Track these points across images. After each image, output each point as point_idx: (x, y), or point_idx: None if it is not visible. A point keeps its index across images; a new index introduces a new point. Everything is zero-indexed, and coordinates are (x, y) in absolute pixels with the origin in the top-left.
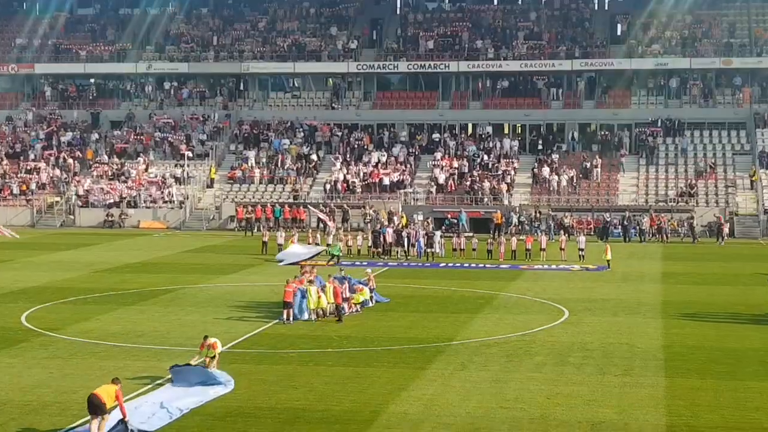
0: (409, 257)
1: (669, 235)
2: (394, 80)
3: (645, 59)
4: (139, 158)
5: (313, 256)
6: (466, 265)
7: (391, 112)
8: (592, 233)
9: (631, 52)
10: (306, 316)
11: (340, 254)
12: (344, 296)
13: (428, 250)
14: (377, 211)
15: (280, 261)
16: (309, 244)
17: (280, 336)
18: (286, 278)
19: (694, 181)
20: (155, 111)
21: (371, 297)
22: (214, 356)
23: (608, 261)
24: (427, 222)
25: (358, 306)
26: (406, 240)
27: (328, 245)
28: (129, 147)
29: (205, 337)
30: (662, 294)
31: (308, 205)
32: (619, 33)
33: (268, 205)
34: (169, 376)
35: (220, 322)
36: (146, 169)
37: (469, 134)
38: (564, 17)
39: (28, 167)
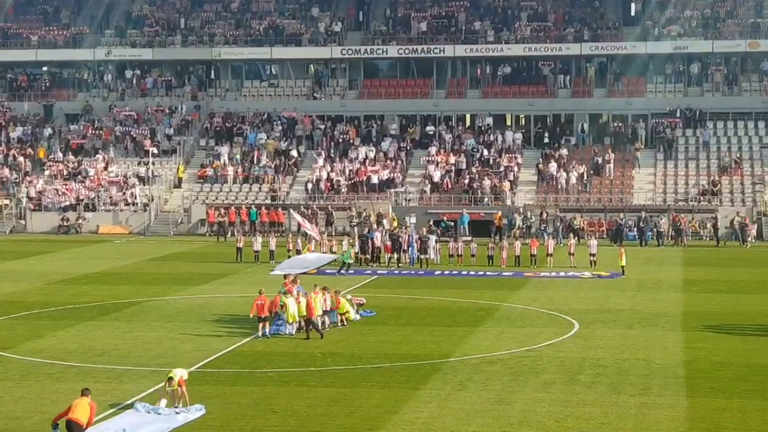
0: (401, 264)
1: (690, 237)
2: (383, 66)
3: (662, 42)
4: (97, 155)
5: (322, 266)
6: (465, 272)
7: (380, 102)
8: (604, 236)
9: (647, 35)
10: (288, 330)
11: (351, 261)
12: (325, 309)
13: (422, 256)
14: (368, 213)
15: (283, 269)
16: (321, 252)
17: (257, 354)
18: (258, 289)
19: (717, 178)
20: (116, 103)
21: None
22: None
23: (623, 267)
24: (429, 225)
25: (344, 317)
26: (397, 245)
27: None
28: (86, 143)
29: (169, 379)
30: (683, 304)
31: (291, 211)
32: (632, 13)
33: (243, 207)
34: (134, 399)
35: (189, 339)
36: (106, 168)
37: (467, 126)
38: None
39: None
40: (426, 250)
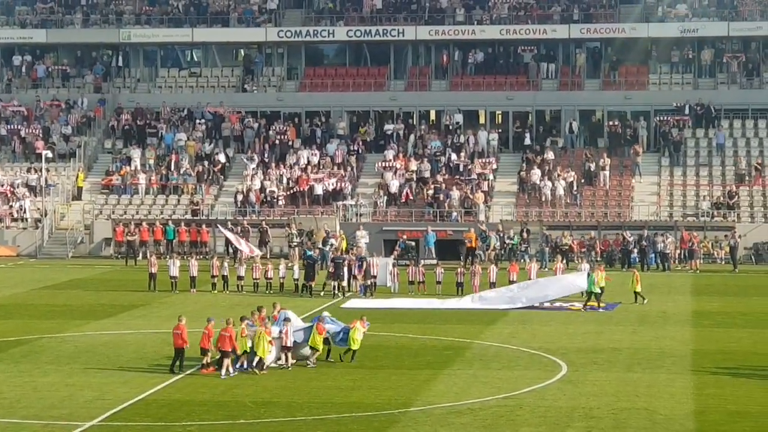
0: (348, 293)
1: (702, 260)
2: (329, 52)
3: (667, 24)
4: None
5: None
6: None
7: (325, 95)
8: (598, 258)
9: (649, 15)
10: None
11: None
12: (287, 343)
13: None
14: (318, 229)
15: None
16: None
17: (175, 403)
18: (226, 318)
19: (734, 188)
20: (1, 95)
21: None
22: None
23: (637, 293)
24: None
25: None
26: (345, 270)
27: (239, 278)
28: None
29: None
30: (693, 341)
31: (219, 226)
32: None
33: (158, 223)
34: None
35: (91, 385)
36: None
37: (431, 125)
38: None
39: None
40: (370, 274)
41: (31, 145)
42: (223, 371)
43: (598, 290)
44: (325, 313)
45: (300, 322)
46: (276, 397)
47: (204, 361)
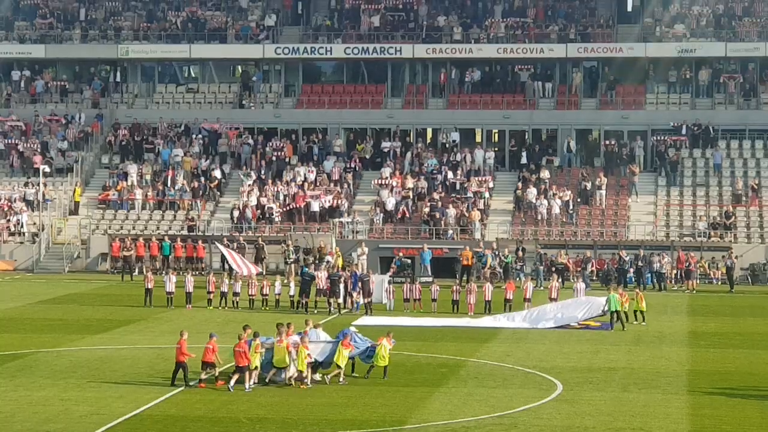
0: (343, 311)
1: (698, 280)
2: (327, 69)
3: (665, 44)
4: None
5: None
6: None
7: (323, 112)
8: (594, 278)
9: (647, 35)
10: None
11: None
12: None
13: (365, 300)
14: (319, 246)
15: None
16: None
17: (170, 418)
18: (238, 333)
19: (730, 209)
20: None
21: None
22: None
23: (641, 313)
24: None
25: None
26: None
27: (235, 294)
28: None
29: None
30: (689, 361)
31: (217, 243)
32: (629, 8)
33: (154, 238)
34: None
35: (87, 400)
36: None
37: (428, 143)
38: None
39: None
40: (369, 292)
41: (28, 159)
42: (247, 384)
43: (619, 308)
44: (352, 329)
45: (326, 339)
46: (270, 414)
47: (201, 376)
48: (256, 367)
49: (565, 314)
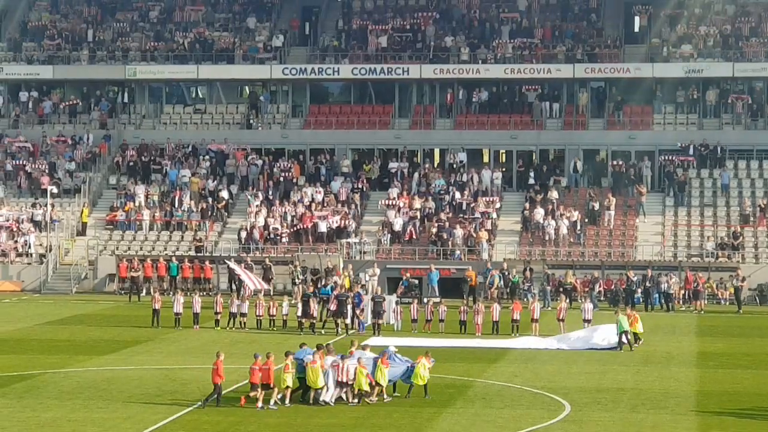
0: (350, 331)
1: (706, 301)
2: (334, 89)
3: (672, 64)
4: None
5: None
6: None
7: (330, 132)
8: (602, 298)
9: (654, 55)
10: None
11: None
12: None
13: (375, 321)
14: (327, 266)
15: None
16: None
17: None
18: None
19: (738, 229)
20: (6, 131)
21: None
22: None
23: (636, 335)
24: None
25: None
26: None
27: (242, 314)
28: None
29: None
30: (697, 382)
31: (228, 262)
32: (637, 29)
33: (161, 259)
34: None
35: (94, 421)
36: None
37: (435, 164)
38: (563, 7)
39: None
40: (380, 313)
41: (36, 180)
42: (272, 401)
43: (628, 329)
44: (392, 348)
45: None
46: None
47: (252, 395)
48: (287, 387)
49: (590, 340)
